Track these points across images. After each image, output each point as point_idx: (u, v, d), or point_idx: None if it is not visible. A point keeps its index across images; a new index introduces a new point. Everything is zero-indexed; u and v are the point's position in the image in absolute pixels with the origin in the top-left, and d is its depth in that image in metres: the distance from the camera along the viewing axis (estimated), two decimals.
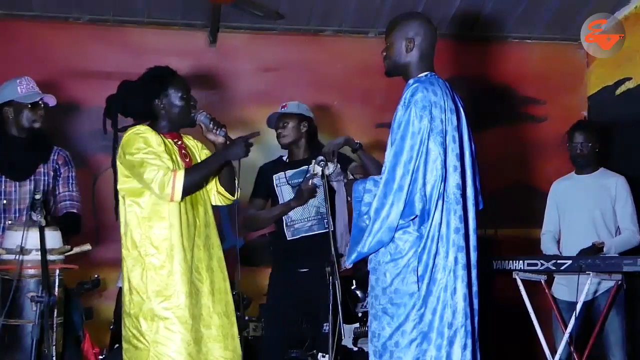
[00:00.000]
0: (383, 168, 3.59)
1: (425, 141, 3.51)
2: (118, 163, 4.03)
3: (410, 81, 3.67)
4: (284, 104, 5.27)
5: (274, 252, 5.27)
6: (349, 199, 4.64)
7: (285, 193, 5.13)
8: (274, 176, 5.16)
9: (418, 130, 3.50)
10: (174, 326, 3.88)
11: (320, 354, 4.87)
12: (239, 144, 4.02)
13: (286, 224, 5.08)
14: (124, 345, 3.99)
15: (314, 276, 4.86)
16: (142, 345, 3.88)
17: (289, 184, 5.13)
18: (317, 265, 4.71)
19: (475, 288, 3.65)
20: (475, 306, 3.65)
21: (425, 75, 3.69)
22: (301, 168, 5.14)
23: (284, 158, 5.27)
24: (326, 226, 4.96)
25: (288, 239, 5.09)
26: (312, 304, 4.99)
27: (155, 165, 3.89)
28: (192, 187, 3.96)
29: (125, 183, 4.01)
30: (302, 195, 4.97)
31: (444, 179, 3.54)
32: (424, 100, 3.53)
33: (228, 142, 4.09)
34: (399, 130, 3.53)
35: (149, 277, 3.91)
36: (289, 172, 5.14)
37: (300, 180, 5.07)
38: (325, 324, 4.91)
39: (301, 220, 5.07)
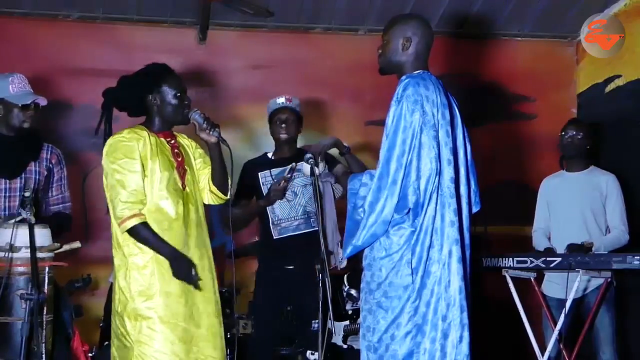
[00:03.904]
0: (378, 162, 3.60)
1: (418, 134, 3.53)
2: (102, 162, 4.02)
3: (403, 77, 3.70)
4: (288, 97, 5.17)
5: (260, 250, 5.24)
6: (335, 196, 4.65)
7: None
8: (259, 174, 5.12)
9: (410, 124, 3.52)
10: (155, 325, 3.87)
11: (309, 352, 4.86)
12: (185, 267, 3.91)
13: (272, 222, 5.04)
14: (114, 341, 3.99)
15: (300, 274, 4.86)
16: (128, 344, 3.90)
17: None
18: (304, 263, 4.70)
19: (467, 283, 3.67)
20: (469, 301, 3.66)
21: (418, 72, 3.72)
22: (287, 167, 5.06)
23: (269, 155, 5.23)
24: (313, 225, 4.96)
25: (275, 237, 5.06)
26: (300, 302, 4.97)
27: (125, 191, 3.89)
28: (134, 237, 3.91)
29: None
30: (270, 196, 4.94)
31: (439, 172, 3.55)
32: (416, 94, 3.56)
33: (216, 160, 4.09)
34: (392, 124, 3.56)
35: (132, 277, 3.91)
36: (275, 171, 5.10)
37: None
38: (313, 322, 4.92)
39: (288, 219, 5.03)
